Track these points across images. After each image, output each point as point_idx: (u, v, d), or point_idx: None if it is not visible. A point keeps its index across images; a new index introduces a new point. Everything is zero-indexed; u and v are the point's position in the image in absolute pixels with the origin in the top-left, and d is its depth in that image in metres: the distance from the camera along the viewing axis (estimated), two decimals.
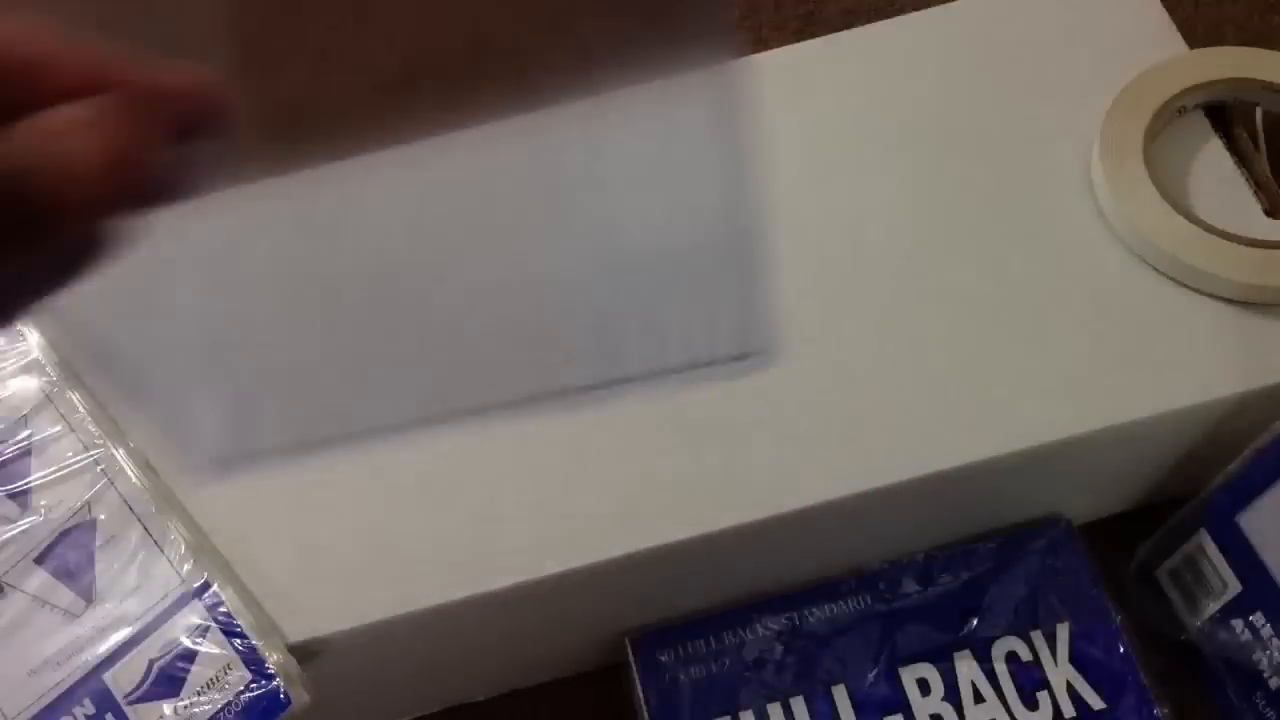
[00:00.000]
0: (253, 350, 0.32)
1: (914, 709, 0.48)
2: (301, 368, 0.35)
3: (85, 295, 0.25)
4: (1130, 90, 0.51)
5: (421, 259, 0.34)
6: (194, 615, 0.44)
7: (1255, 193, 0.50)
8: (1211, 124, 0.52)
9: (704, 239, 0.29)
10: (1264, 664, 0.47)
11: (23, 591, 0.45)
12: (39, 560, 0.45)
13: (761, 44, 0.64)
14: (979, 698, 0.48)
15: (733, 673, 0.49)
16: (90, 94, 0.22)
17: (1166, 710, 0.48)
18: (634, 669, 0.49)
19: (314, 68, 0.25)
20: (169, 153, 0.23)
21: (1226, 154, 0.51)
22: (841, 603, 0.50)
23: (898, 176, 0.52)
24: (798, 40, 0.57)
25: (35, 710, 0.43)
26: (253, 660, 0.43)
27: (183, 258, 0.29)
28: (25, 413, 0.48)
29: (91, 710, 0.43)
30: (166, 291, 0.32)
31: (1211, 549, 0.48)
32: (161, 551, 0.45)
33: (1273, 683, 0.47)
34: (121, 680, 0.44)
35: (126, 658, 0.44)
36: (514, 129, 0.26)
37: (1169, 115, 0.51)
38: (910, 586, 0.50)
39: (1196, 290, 0.48)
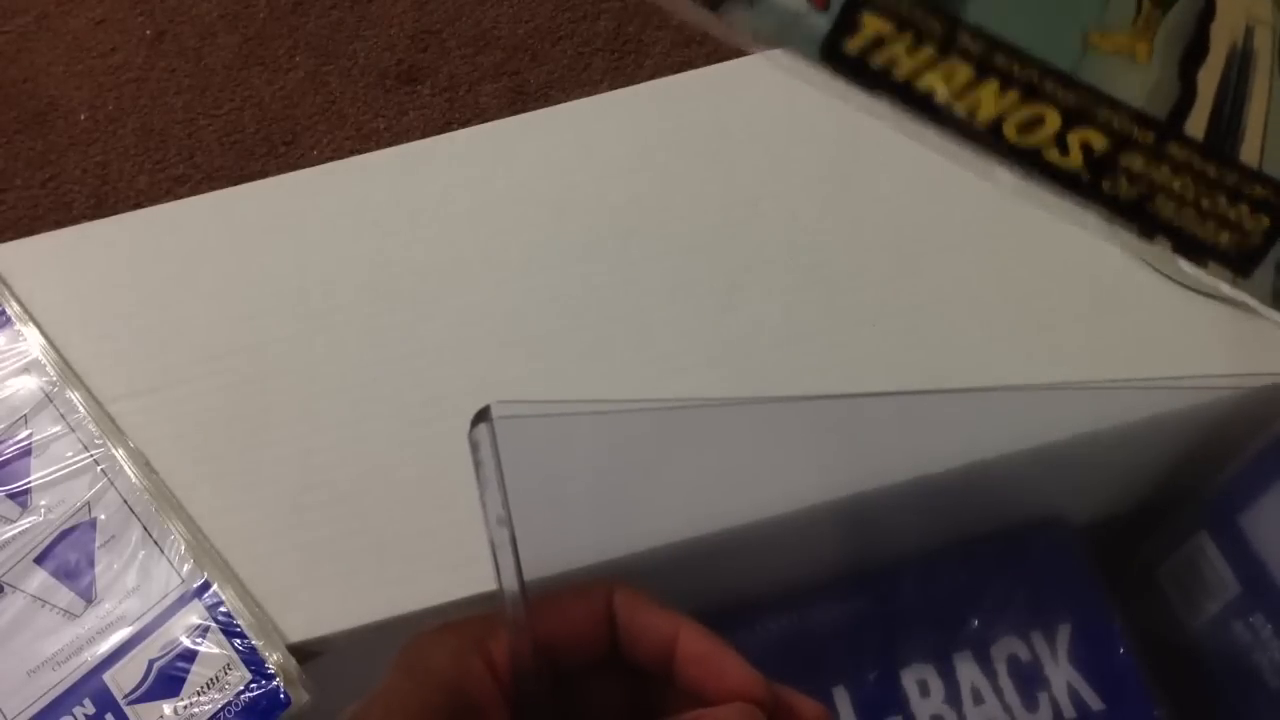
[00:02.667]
0: None
1: (914, 710, 0.48)
2: None
3: None
4: None
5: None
6: (194, 615, 0.44)
7: None
8: None
9: None
10: (1264, 664, 0.47)
11: (23, 591, 0.45)
12: (39, 560, 0.45)
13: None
14: (979, 698, 0.48)
15: None
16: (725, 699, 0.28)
17: (1166, 710, 0.48)
18: None
19: None
20: None
21: None
22: (841, 603, 0.50)
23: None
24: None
25: (35, 710, 0.43)
26: (253, 660, 0.43)
27: None
28: (25, 413, 0.48)
29: (91, 710, 0.43)
30: None
31: (1211, 549, 0.48)
32: (161, 551, 0.45)
33: (1273, 684, 0.47)
34: (121, 680, 0.43)
35: (126, 658, 0.44)
36: None
37: None
38: (910, 586, 0.50)
39: (1196, 290, 0.48)
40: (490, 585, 0.44)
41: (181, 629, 0.44)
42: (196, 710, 0.43)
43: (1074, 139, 0.21)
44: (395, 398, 0.48)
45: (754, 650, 0.49)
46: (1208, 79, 0.20)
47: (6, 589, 0.45)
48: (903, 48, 0.21)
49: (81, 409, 0.48)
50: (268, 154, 1.02)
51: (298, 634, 0.44)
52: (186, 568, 0.45)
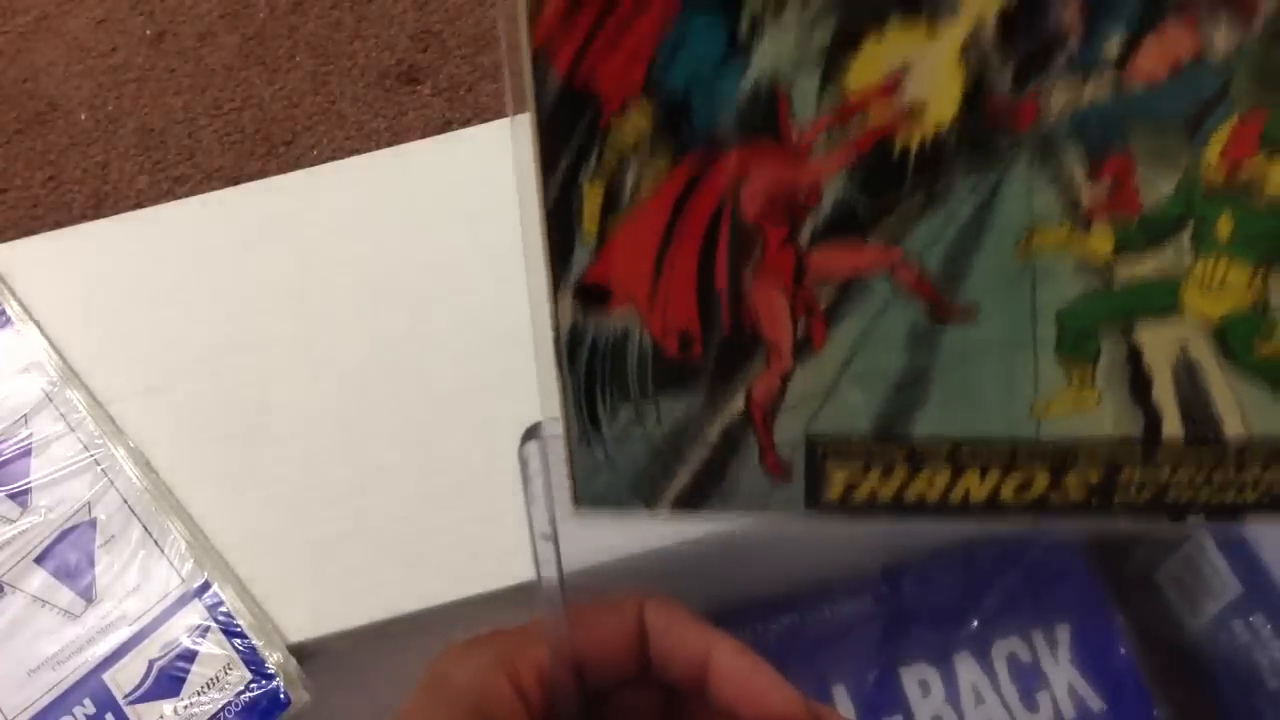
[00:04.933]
0: None
1: (914, 709, 0.48)
2: None
3: None
4: None
5: None
6: (194, 615, 0.44)
7: None
8: None
9: None
10: (1264, 664, 0.47)
11: (23, 591, 0.45)
12: (39, 560, 0.45)
13: None
14: (979, 699, 0.48)
15: None
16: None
17: (1166, 710, 0.48)
18: None
19: None
20: None
21: None
22: (841, 603, 0.50)
23: None
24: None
25: (35, 710, 0.43)
26: (253, 660, 0.43)
27: None
28: (25, 413, 0.48)
29: (91, 710, 0.43)
30: None
31: (1211, 549, 0.48)
32: (161, 551, 0.45)
33: (1272, 684, 0.47)
34: (121, 680, 0.43)
35: (126, 658, 0.44)
36: None
37: None
38: (910, 587, 0.50)
39: None
40: (490, 585, 0.44)
41: (181, 629, 0.44)
42: (196, 710, 0.43)
43: (1069, 481, 0.22)
44: (395, 397, 0.48)
45: (755, 649, 0.50)
46: (1164, 396, 0.21)
47: (6, 589, 0.45)
48: (876, 480, 0.22)
49: (81, 409, 0.48)
50: (268, 154, 1.02)
51: (298, 634, 0.44)
52: (186, 568, 0.45)
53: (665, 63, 0.19)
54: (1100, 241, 0.20)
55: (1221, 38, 0.18)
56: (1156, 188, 0.20)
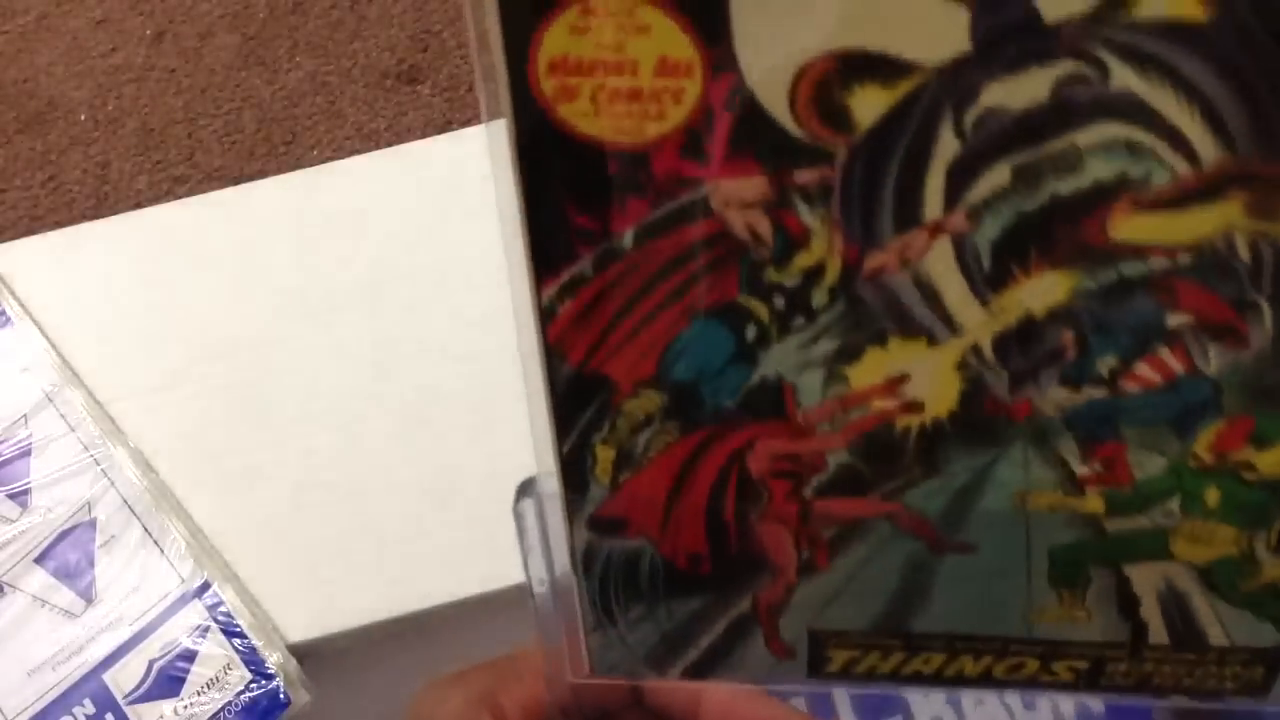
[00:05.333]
0: None
1: (914, 711, 0.48)
2: None
3: None
4: None
5: None
6: (194, 615, 0.44)
7: None
8: None
9: None
10: None
11: (23, 591, 0.45)
12: (39, 560, 0.45)
13: None
14: (979, 700, 0.48)
15: None
16: None
17: (1165, 714, 0.48)
18: None
19: None
20: None
21: None
22: None
23: None
24: None
25: (35, 710, 0.43)
26: (253, 660, 0.43)
27: None
28: (25, 413, 0.48)
29: (91, 710, 0.43)
30: None
31: None
32: (161, 551, 0.45)
33: None
34: (121, 680, 0.44)
35: (126, 658, 0.44)
36: None
37: None
38: None
39: None
40: (489, 586, 0.44)
41: (181, 629, 0.44)
42: (196, 710, 0.43)
43: (1058, 666, 0.24)
44: (396, 397, 0.48)
45: None
46: (1151, 614, 0.23)
47: (6, 589, 0.45)
48: (876, 659, 0.24)
49: (81, 409, 0.48)
50: (268, 154, 1.02)
51: (298, 634, 0.44)
52: (186, 568, 0.45)
53: (674, 360, 0.20)
54: (1093, 503, 0.22)
55: (1214, 359, 0.19)
56: (1146, 468, 0.21)
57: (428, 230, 0.52)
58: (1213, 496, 0.21)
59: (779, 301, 0.19)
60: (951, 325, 0.19)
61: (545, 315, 0.20)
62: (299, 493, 0.46)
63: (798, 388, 0.20)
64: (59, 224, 0.90)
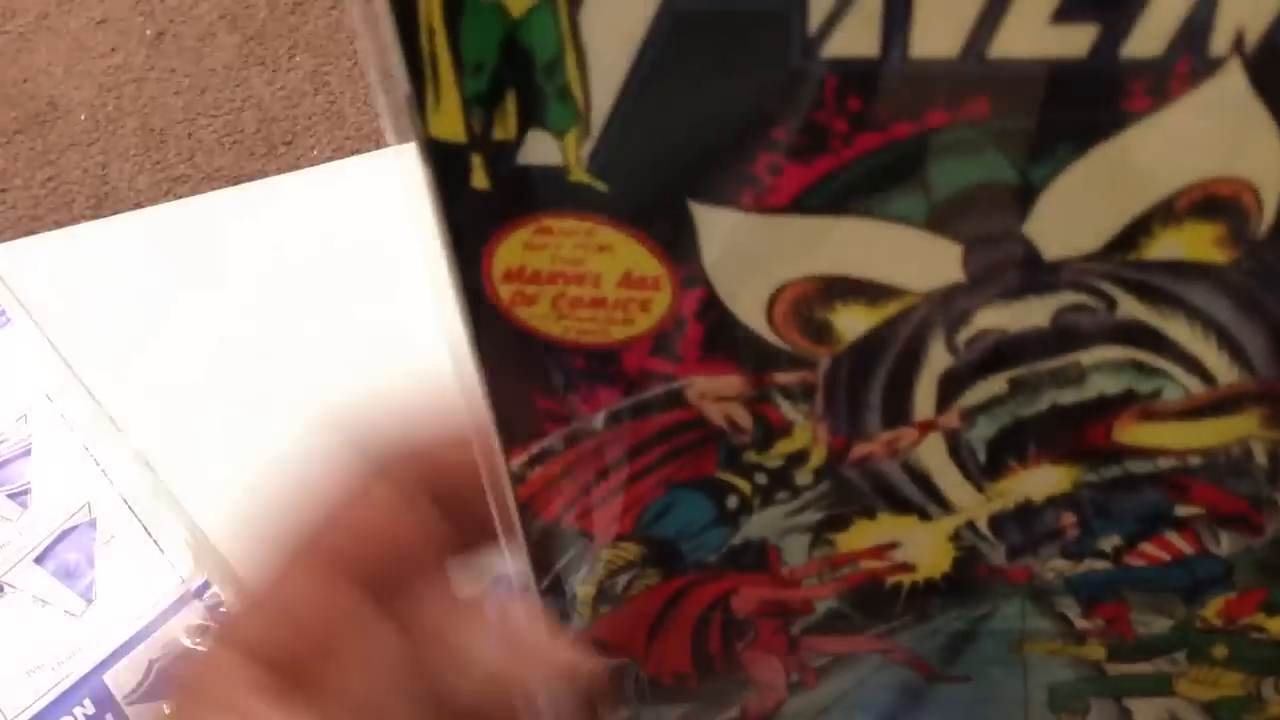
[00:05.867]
0: None
1: None
2: None
3: None
4: None
5: None
6: (194, 615, 0.44)
7: None
8: None
9: None
10: None
11: (23, 591, 0.45)
12: (39, 560, 0.45)
13: None
14: None
15: None
16: None
17: None
18: None
19: None
20: None
21: None
22: None
23: None
24: None
25: (35, 710, 0.43)
26: None
27: None
28: (25, 413, 0.48)
29: (91, 710, 0.43)
30: None
31: None
32: (161, 551, 0.45)
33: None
34: (121, 680, 0.43)
35: (126, 658, 0.44)
36: None
37: None
38: None
39: None
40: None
41: (181, 629, 0.44)
42: None
43: None
44: (398, 398, 0.48)
45: None
46: None
47: (6, 589, 0.45)
48: None
49: (81, 409, 0.48)
50: (268, 154, 1.02)
51: None
52: (186, 568, 0.45)
53: (651, 521, 0.19)
54: (1094, 651, 0.21)
55: (1226, 543, 0.18)
56: (1151, 627, 0.20)
57: None
58: (1220, 651, 0.20)
59: (760, 478, 0.18)
60: (945, 505, 0.18)
61: (515, 478, 0.19)
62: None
63: (782, 548, 0.19)
64: (59, 224, 0.90)
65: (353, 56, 1.06)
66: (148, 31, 1.08)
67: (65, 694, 0.43)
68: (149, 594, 0.44)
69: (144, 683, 0.43)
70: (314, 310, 0.50)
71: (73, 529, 0.46)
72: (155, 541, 0.45)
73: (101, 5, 1.10)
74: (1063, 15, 0.12)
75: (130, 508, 0.46)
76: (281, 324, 0.50)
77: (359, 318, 0.50)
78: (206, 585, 0.44)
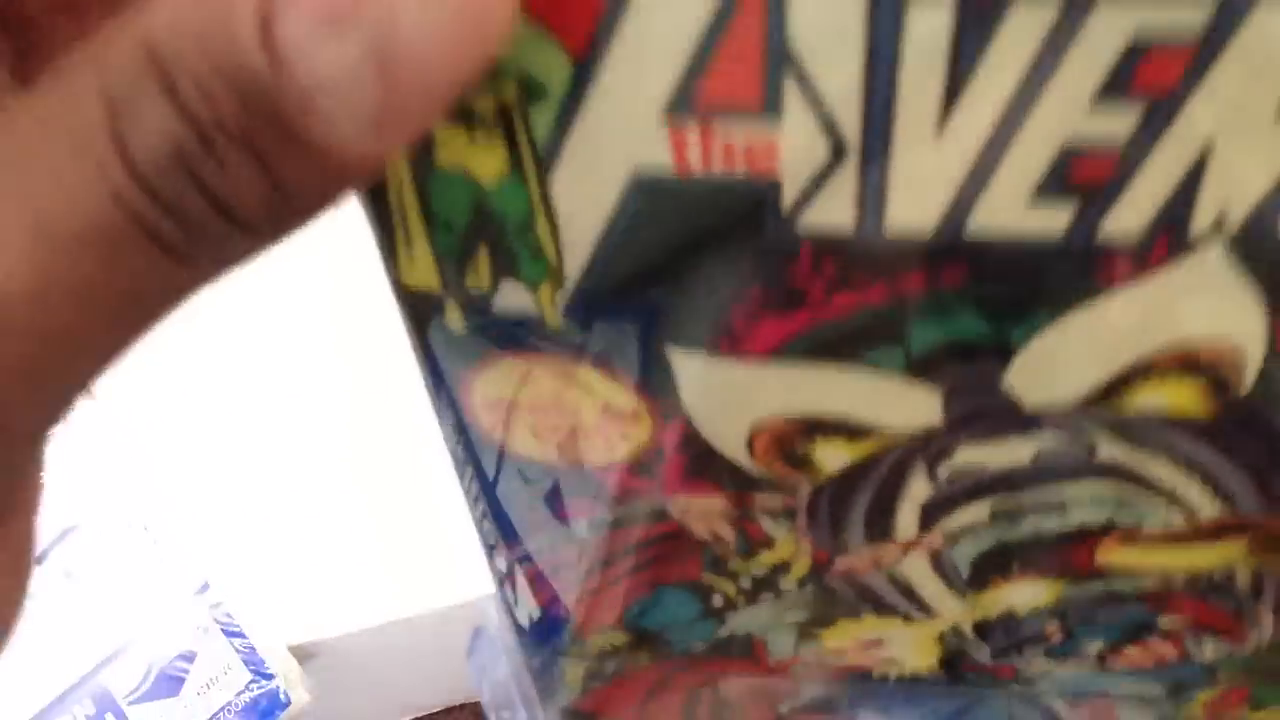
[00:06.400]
0: None
1: None
2: None
3: None
4: None
5: None
6: (194, 615, 0.44)
7: None
8: None
9: None
10: None
11: None
12: (39, 560, 0.45)
13: None
14: None
15: None
16: None
17: None
18: None
19: None
20: None
21: None
22: None
23: None
24: None
25: (35, 710, 0.43)
26: (253, 660, 0.43)
27: None
28: None
29: (91, 710, 0.43)
30: None
31: None
32: (162, 551, 0.45)
33: None
34: (121, 680, 0.44)
35: (126, 658, 0.44)
36: None
37: None
38: None
39: None
40: (489, 588, 0.44)
41: (181, 629, 0.44)
42: (196, 710, 0.43)
43: None
44: (401, 399, 0.48)
45: None
46: None
47: None
48: None
49: (82, 409, 0.47)
50: None
51: (298, 634, 0.44)
52: (186, 568, 0.45)
53: (638, 615, 0.19)
54: None
55: (1210, 649, 0.18)
56: (1138, 719, 0.20)
57: None
58: None
59: (745, 582, 0.18)
60: (929, 612, 0.18)
61: (500, 575, 0.19)
62: (300, 493, 0.46)
63: (769, 641, 0.19)
64: None
65: None
66: None
67: (65, 694, 0.43)
68: (149, 593, 0.44)
69: (144, 683, 0.43)
70: (319, 308, 0.50)
71: (72, 529, 0.46)
72: (155, 541, 0.45)
73: None
74: (1040, 195, 0.12)
75: (130, 507, 0.46)
76: (285, 321, 0.50)
77: (361, 317, 0.50)
78: (206, 585, 0.44)
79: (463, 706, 0.53)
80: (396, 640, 0.46)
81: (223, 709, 0.43)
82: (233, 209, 0.10)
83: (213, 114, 0.10)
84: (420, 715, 0.53)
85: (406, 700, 0.53)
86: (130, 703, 0.43)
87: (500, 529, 0.18)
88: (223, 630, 0.44)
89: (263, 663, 0.43)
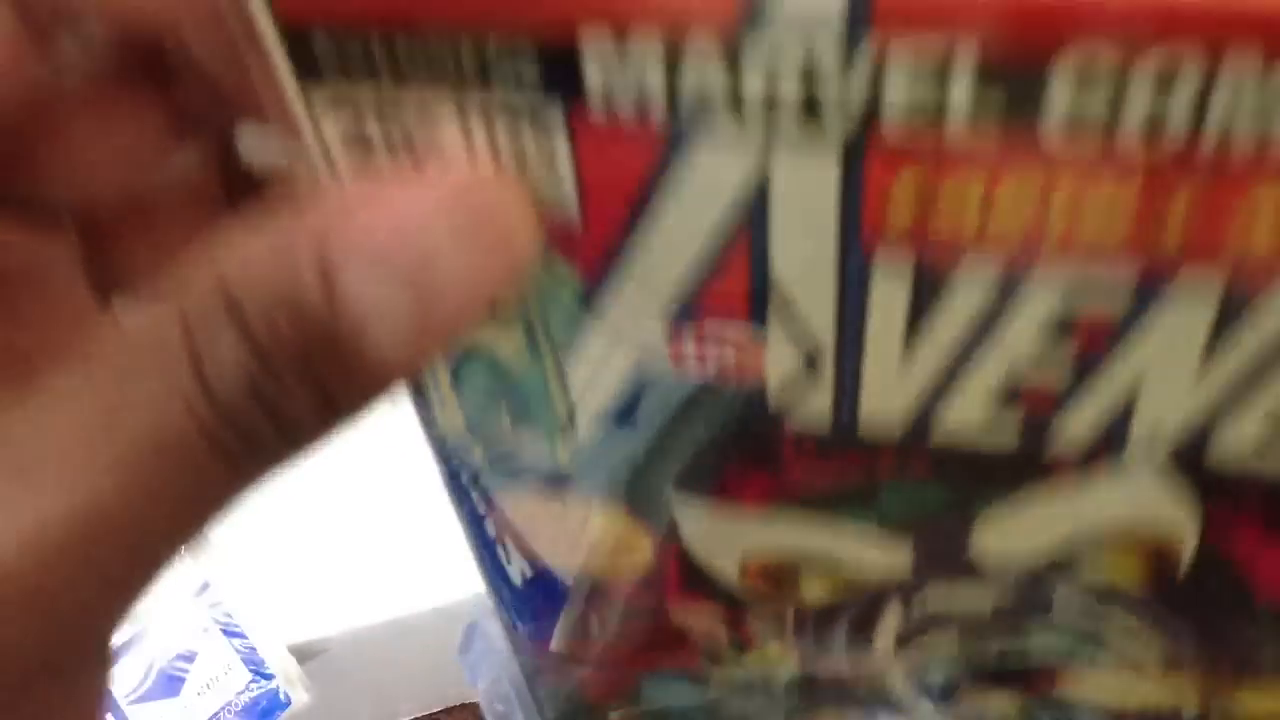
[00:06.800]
0: None
1: None
2: None
3: None
4: None
5: None
6: (194, 615, 0.44)
7: None
8: None
9: None
10: None
11: None
12: None
13: None
14: None
15: None
16: None
17: None
18: None
19: None
20: None
21: None
22: None
23: None
24: None
25: None
26: (252, 660, 0.43)
27: None
28: None
29: None
30: None
31: None
32: None
33: None
34: (121, 680, 0.44)
35: (126, 658, 0.44)
36: None
37: None
38: None
39: None
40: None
41: (181, 629, 0.44)
42: (196, 710, 0.43)
43: None
44: (398, 397, 0.48)
45: None
46: None
47: None
48: None
49: None
50: None
51: (298, 634, 0.44)
52: (186, 568, 0.45)
53: (639, 694, 0.22)
54: None
55: None
56: None
57: None
58: None
59: (739, 675, 0.20)
60: (907, 713, 0.20)
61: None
62: (300, 493, 0.46)
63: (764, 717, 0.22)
64: None
65: None
66: None
67: None
68: (149, 594, 0.44)
69: (144, 683, 0.43)
70: None
71: None
72: None
73: None
74: (993, 411, 0.14)
75: None
76: None
77: None
78: (206, 585, 0.44)
79: (463, 706, 0.53)
80: (396, 640, 0.46)
81: (223, 709, 0.43)
82: (290, 425, 0.12)
83: (277, 345, 0.12)
84: (420, 715, 0.53)
85: (406, 700, 0.53)
86: (130, 703, 0.43)
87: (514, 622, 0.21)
88: (223, 630, 0.44)
89: (263, 663, 0.43)
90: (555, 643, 0.20)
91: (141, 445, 0.12)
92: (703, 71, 0.11)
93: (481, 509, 0.19)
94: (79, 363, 0.12)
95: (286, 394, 0.12)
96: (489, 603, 0.22)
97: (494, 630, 0.24)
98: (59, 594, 0.12)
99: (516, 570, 0.21)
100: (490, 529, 0.20)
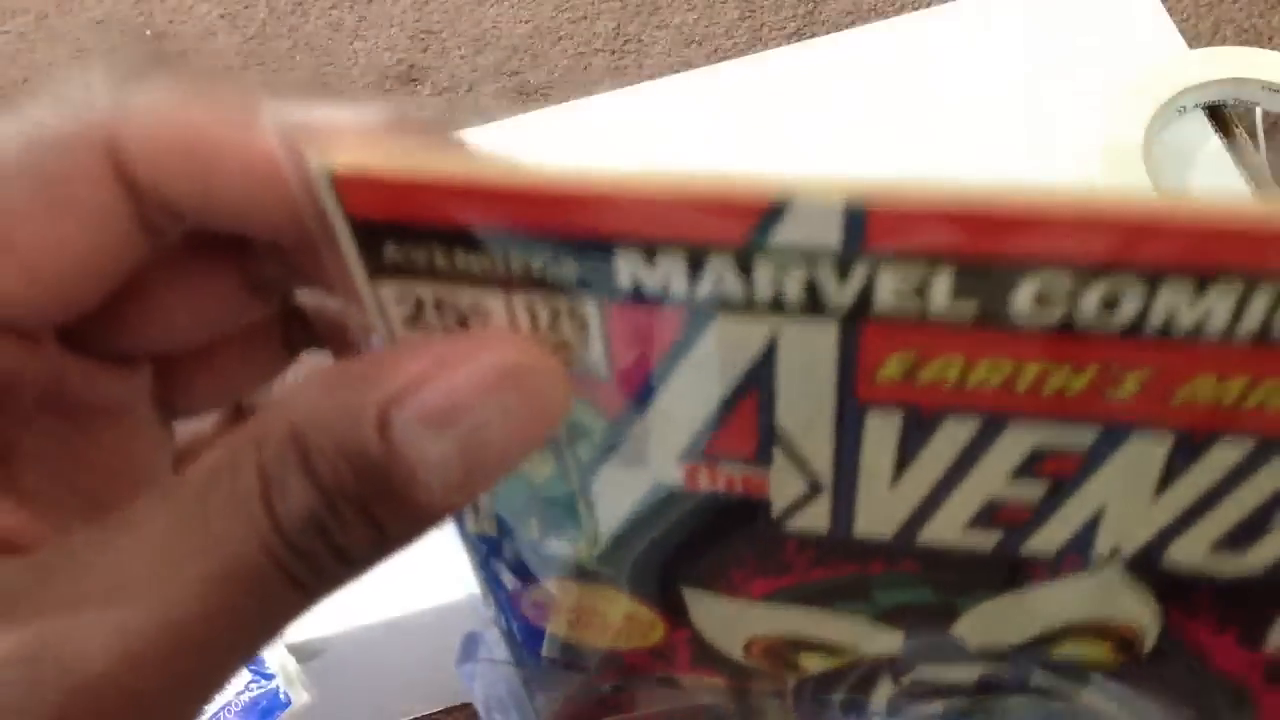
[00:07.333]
0: None
1: None
2: None
3: None
4: (1130, 90, 0.51)
5: None
6: None
7: (1254, 193, 0.50)
8: (1212, 124, 0.52)
9: None
10: None
11: None
12: None
13: (760, 44, 0.64)
14: None
15: None
16: None
17: None
18: None
19: None
20: None
21: (1226, 154, 0.51)
22: None
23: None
24: (797, 40, 0.56)
25: None
26: (252, 660, 0.43)
27: None
28: None
29: None
30: None
31: None
32: None
33: None
34: None
35: None
36: None
37: (1169, 115, 0.51)
38: None
39: None
40: None
41: None
42: None
43: None
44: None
45: None
46: None
47: None
48: None
49: None
50: None
51: (298, 634, 0.44)
52: None
53: None
54: None
55: None
56: None
57: None
58: None
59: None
60: None
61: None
62: None
63: None
64: None
65: (353, 56, 1.06)
66: (148, 31, 1.08)
67: None
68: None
69: None
70: None
71: None
72: None
73: (101, 5, 1.10)
74: (975, 523, 0.16)
75: None
76: None
77: None
78: None
79: (463, 707, 0.53)
80: (396, 640, 0.46)
81: (223, 709, 0.43)
82: (349, 554, 0.14)
83: (339, 486, 0.14)
84: (420, 715, 0.53)
85: (406, 700, 0.53)
86: None
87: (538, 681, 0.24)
88: None
89: (263, 662, 0.43)
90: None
91: (220, 571, 0.13)
92: (720, 279, 0.13)
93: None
94: (159, 494, 0.14)
95: (346, 530, 0.14)
96: (486, 611, 0.23)
97: (493, 639, 0.25)
98: (151, 697, 0.13)
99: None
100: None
